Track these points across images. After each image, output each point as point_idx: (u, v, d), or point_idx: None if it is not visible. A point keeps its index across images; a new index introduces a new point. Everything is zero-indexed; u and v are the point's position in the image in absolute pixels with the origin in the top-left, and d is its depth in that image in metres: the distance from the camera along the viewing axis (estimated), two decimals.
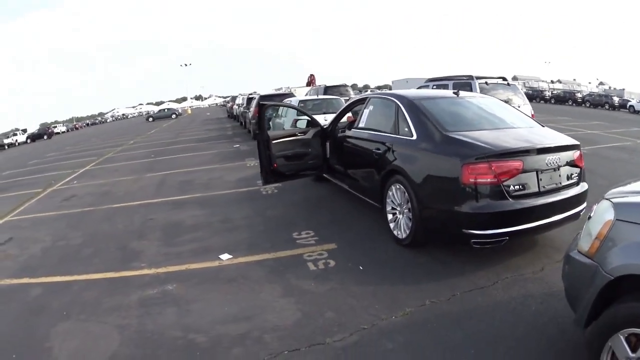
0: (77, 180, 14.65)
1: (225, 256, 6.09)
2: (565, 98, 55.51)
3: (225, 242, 6.69)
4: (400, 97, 6.65)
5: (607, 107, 47.59)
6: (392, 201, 6.18)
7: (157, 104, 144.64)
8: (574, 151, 5.53)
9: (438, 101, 6.60)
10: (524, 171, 5.02)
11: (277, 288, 5.07)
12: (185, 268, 5.85)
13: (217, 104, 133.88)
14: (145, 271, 5.90)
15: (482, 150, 4.97)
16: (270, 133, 7.95)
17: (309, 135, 8.47)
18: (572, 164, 5.49)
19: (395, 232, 6.11)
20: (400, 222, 5.99)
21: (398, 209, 6.04)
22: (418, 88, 13.38)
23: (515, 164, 4.97)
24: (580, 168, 5.63)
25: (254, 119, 18.50)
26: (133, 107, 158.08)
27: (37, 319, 4.88)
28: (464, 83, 12.40)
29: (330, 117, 11.34)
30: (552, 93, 60.76)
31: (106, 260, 6.46)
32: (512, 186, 4.96)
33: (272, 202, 8.91)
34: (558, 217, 5.24)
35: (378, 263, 5.57)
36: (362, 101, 8.03)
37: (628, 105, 45.60)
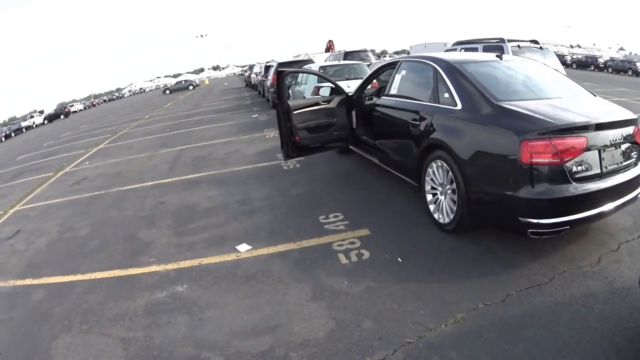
0: (89, 160, 14.08)
1: (243, 247, 5.44)
2: (587, 63, 53.50)
3: (244, 229, 6.02)
4: (438, 61, 5.83)
5: (630, 73, 46.01)
6: (432, 180, 5.44)
7: (175, 76, 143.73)
8: (633, 126, 4.81)
9: (481, 65, 5.76)
10: (587, 149, 4.31)
11: (305, 288, 4.40)
12: (198, 263, 5.23)
13: (234, 73, 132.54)
14: (154, 268, 5.28)
15: (543, 125, 4.25)
16: (291, 103, 7.17)
17: (333, 104, 7.67)
18: (631, 140, 4.77)
19: (435, 216, 5.40)
20: (442, 205, 5.28)
21: (439, 189, 5.32)
22: (446, 52, 12.49)
23: (579, 140, 4.26)
24: (639, 145, 4.91)
25: (272, 88, 17.85)
26: (151, 80, 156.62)
27: (38, 331, 4.40)
28: (495, 46, 11.50)
29: (353, 84, 10.59)
30: (572, 58, 58.38)
31: (113, 255, 5.87)
32: (574, 167, 4.27)
33: (295, 178, 8.18)
34: (621, 201, 4.56)
35: (418, 253, 4.87)
36: (392, 65, 7.19)
37: None
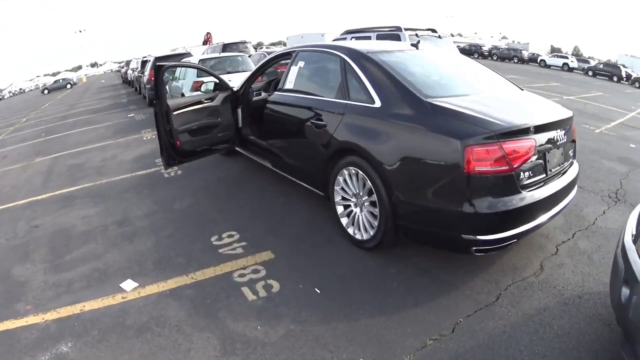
0: None
1: (128, 284, 4.18)
2: (471, 51, 54.00)
3: (126, 259, 4.73)
4: (346, 50, 4.82)
5: (515, 60, 48.31)
6: (343, 189, 4.51)
7: (54, 74, 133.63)
8: (571, 123, 4.29)
9: (398, 55, 4.84)
10: (535, 153, 3.62)
11: (212, 340, 3.32)
12: (80, 310, 3.90)
13: (112, 70, 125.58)
14: (32, 319, 3.87)
15: (489, 127, 3.44)
16: (171, 102, 5.87)
17: (217, 101, 6.48)
18: (570, 139, 4.25)
19: (350, 231, 4.49)
20: (358, 218, 4.37)
21: (353, 200, 4.42)
22: (333, 40, 11.45)
23: (529, 143, 3.55)
24: (575, 143, 4.49)
25: (149, 84, 16.17)
26: (30, 80, 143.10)
27: None
28: (390, 35, 10.67)
29: (235, 77, 9.41)
30: (457, 47, 59.28)
31: None
32: (522, 174, 3.56)
33: (178, 188, 6.87)
34: (564, 204, 4.05)
35: (338, 280, 3.94)
36: (286, 57, 6.06)
37: (539, 59, 48.03)
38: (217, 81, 6.75)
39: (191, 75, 10.54)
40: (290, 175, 5.66)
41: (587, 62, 46.20)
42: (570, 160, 4.31)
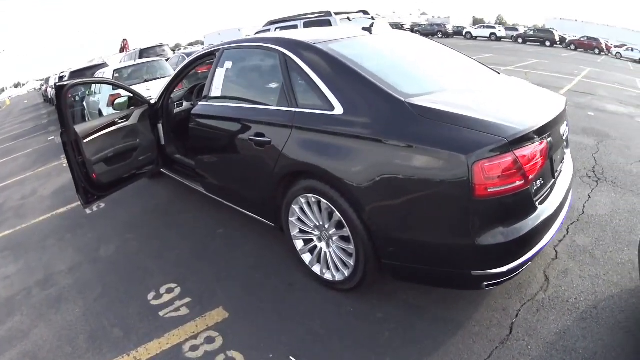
0: None
1: None
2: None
3: (56, 336, 3.69)
4: (287, 43, 3.77)
5: (440, 35, 48.05)
6: (300, 220, 3.60)
7: None
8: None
9: (352, 44, 3.84)
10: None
11: None
12: None
13: (34, 88, 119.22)
14: None
15: (501, 132, 2.54)
16: (79, 128, 4.73)
17: (134, 119, 5.43)
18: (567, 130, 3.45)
19: (316, 270, 3.61)
20: (325, 255, 3.50)
21: (316, 233, 3.53)
22: (256, 34, 10.44)
23: (542, 147, 2.72)
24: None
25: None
26: None
27: None
28: (319, 21, 9.71)
29: (153, 86, 8.37)
30: None
31: None
32: (535, 184, 2.77)
33: (102, 227, 5.77)
34: (568, 204, 3.35)
35: (315, 339, 3.09)
36: (209, 57, 4.94)
37: (464, 32, 48.20)
38: (130, 94, 5.65)
39: (107, 88, 9.35)
40: (230, 202, 4.65)
41: (516, 29, 47.16)
42: (567, 151, 3.61)
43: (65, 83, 4.71)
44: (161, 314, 3.68)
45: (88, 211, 6.44)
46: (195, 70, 5.81)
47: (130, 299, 4.02)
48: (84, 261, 4.98)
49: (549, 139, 2.83)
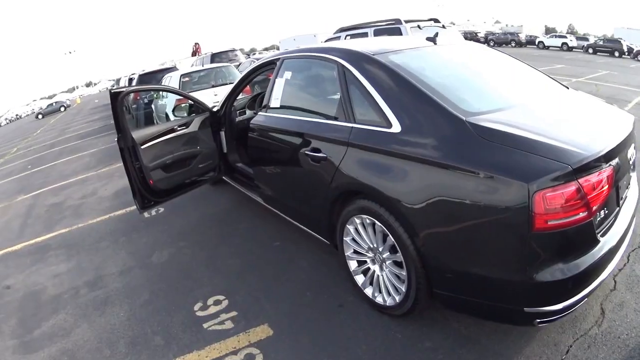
0: None
1: None
2: (467, 38, 53.59)
3: (97, 337, 3.72)
4: (345, 53, 3.57)
5: (513, 44, 47.15)
6: (354, 241, 3.41)
7: (50, 97, 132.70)
8: None
9: (414, 55, 3.61)
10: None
11: None
12: None
13: (106, 88, 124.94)
14: None
15: (565, 158, 2.29)
16: (137, 134, 4.80)
17: (194, 126, 5.39)
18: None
19: (368, 293, 3.41)
20: (378, 279, 3.30)
21: (369, 255, 3.32)
22: (326, 41, 10.30)
23: (608, 173, 2.45)
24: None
25: (134, 104, 14.57)
26: (27, 104, 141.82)
27: None
28: (389, 29, 9.48)
29: (221, 91, 8.34)
30: None
31: None
32: (598, 214, 2.50)
33: (158, 233, 5.78)
34: (631, 231, 2.99)
35: None
36: (270, 66, 4.76)
37: (537, 41, 46.67)
38: (192, 102, 5.63)
39: (172, 95, 9.48)
40: (287, 215, 4.52)
41: (586, 39, 45.06)
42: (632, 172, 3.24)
43: (120, 90, 4.77)
44: (205, 325, 3.61)
45: (146, 215, 6.50)
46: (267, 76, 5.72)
47: (176, 308, 3.96)
48: (135, 266, 4.99)
49: (616, 164, 2.55)
